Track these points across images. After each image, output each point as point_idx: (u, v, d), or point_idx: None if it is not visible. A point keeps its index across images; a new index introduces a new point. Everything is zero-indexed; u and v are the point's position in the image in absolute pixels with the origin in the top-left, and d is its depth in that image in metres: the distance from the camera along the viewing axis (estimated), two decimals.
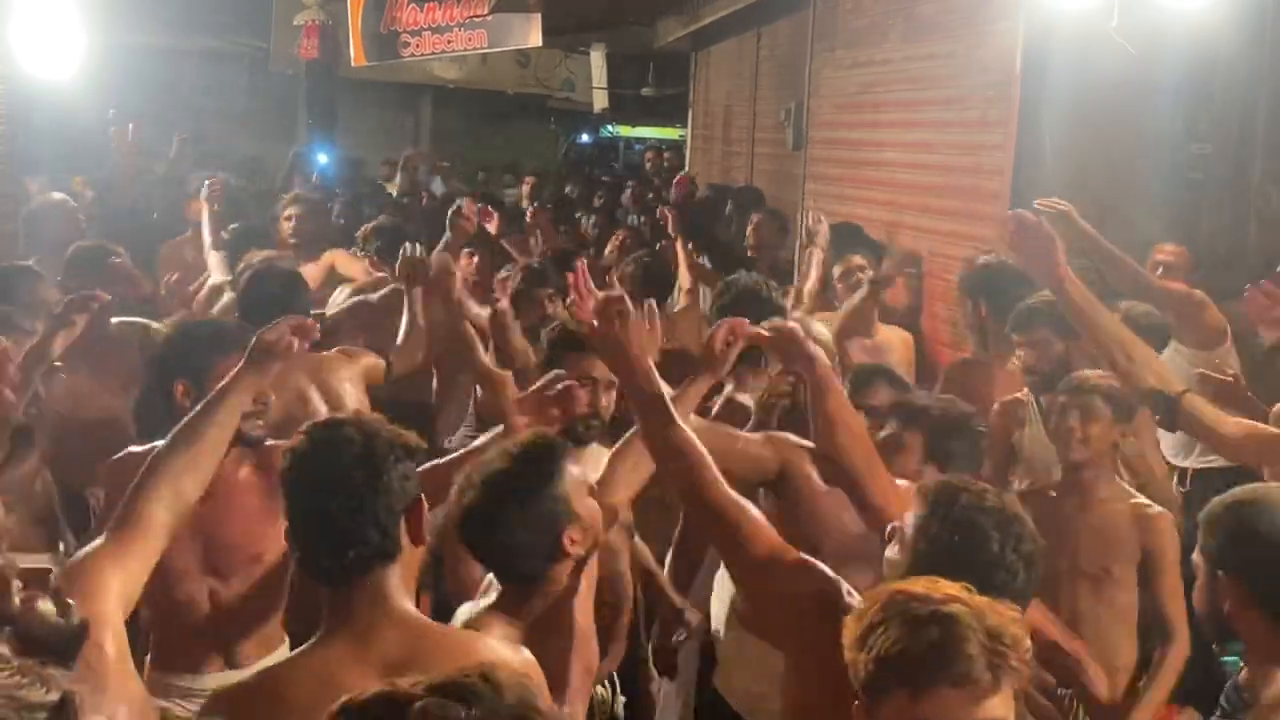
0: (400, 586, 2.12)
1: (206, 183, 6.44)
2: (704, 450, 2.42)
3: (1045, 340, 4.09)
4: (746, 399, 3.86)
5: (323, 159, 11.56)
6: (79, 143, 9.76)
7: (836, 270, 5.46)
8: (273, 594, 3.19)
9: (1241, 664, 2.73)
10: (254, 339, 2.74)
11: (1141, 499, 3.55)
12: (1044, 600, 3.26)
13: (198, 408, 2.67)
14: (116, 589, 2.24)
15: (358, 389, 4.22)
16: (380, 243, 6.31)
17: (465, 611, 2.45)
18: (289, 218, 6.62)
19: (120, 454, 3.22)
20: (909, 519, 2.24)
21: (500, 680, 1.35)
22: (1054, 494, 3.63)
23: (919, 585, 1.81)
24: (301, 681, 2.06)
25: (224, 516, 3.11)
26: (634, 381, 2.45)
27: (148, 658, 3.13)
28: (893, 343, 5.25)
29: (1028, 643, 1.75)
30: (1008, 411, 4.25)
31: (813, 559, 2.36)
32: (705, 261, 6.96)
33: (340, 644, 2.08)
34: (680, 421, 2.46)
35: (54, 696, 1.43)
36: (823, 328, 4.01)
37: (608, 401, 3.24)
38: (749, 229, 7.23)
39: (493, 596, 2.43)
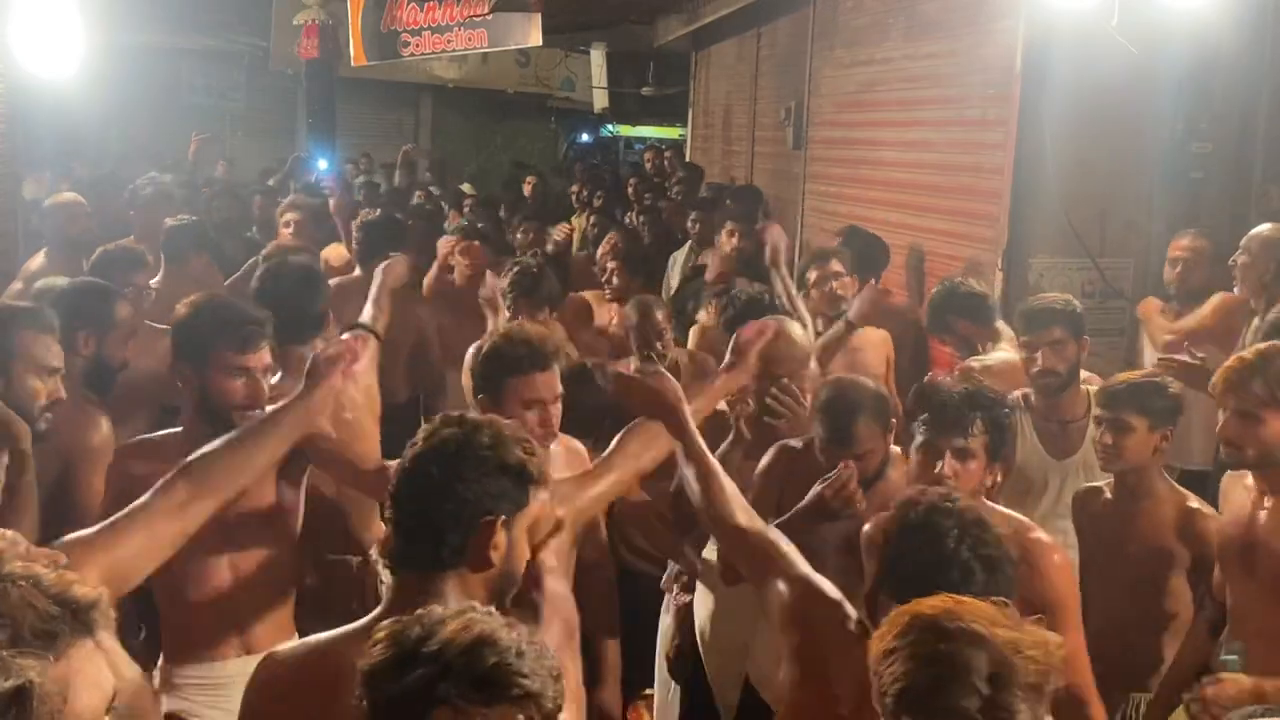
0: (454, 597, 2.02)
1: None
2: (726, 477, 2.70)
3: (1061, 340, 4.04)
4: (723, 405, 3.89)
5: (323, 164, 11.54)
6: (79, 142, 9.78)
7: (812, 274, 5.21)
8: (286, 577, 3.20)
9: (1241, 664, 2.73)
10: (310, 361, 2.72)
11: (1193, 500, 3.48)
12: (1094, 600, 3.28)
13: (251, 426, 2.64)
14: (97, 577, 2.15)
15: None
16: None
17: None
18: (287, 223, 6.68)
19: (135, 440, 3.27)
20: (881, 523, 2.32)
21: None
22: (1109, 495, 3.59)
23: (939, 608, 1.80)
24: (319, 658, 2.07)
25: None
26: (665, 422, 2.78)
27: (160, 658, 3.12)
28: (872, 341, 5.16)
29: (1050, 681, 1.76)
30: None
31: (824, 582, 2.50)
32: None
33: (371, 630, 2.07)
34: (704, 449, 2.72)
35: (9, 685, 1.34)
36: (799, 331, 3.95)
37: (555, 416, 3.16)
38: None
39: None
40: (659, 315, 4.77)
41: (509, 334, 3.25)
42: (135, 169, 8.85)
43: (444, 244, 6.21)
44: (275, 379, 3.35)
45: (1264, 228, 4.78)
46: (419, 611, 1.63)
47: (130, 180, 7.08)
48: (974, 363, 4.69)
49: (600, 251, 6.11)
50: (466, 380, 4.42)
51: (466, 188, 12.56)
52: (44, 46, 6.40)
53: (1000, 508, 3.04)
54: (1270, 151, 5.53)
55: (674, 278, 7.60)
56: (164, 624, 3.13)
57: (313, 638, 2.17)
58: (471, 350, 4.50)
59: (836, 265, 5.20)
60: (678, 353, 4.87)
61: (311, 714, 2.01)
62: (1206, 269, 5.10)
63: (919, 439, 3.01)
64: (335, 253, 6.84)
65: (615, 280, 5.87)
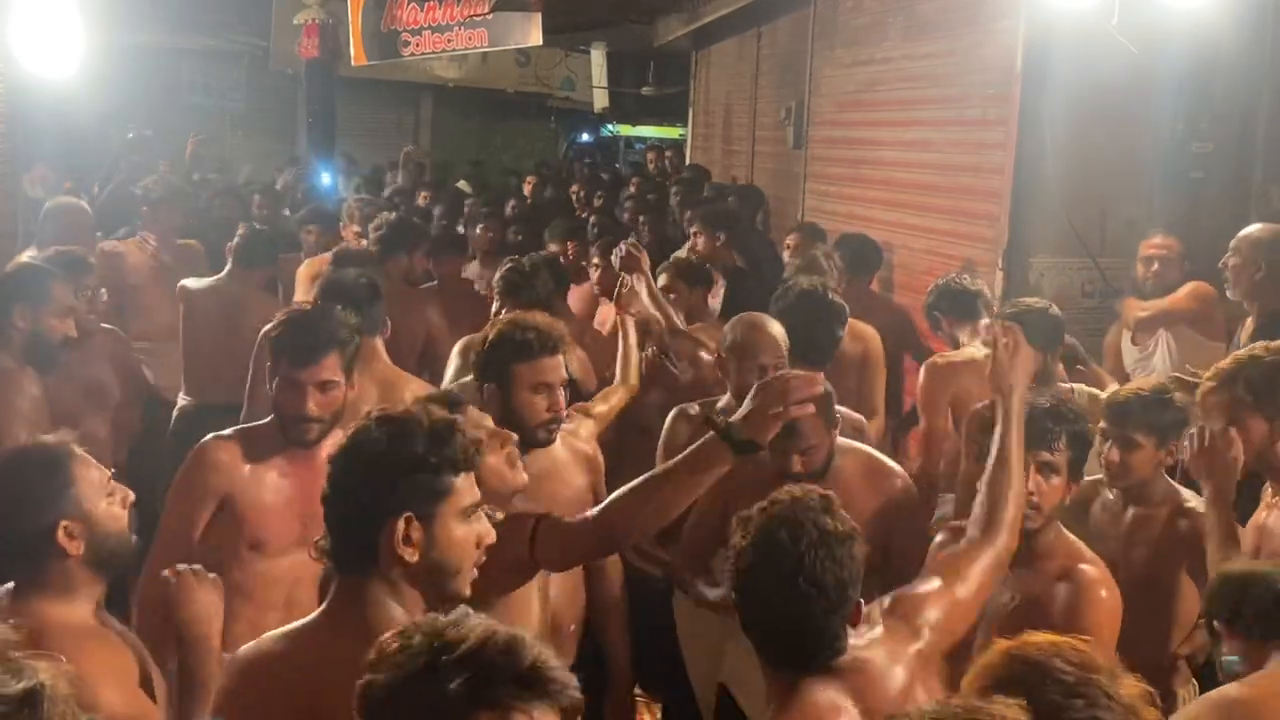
0: (385, 597, 2.04)
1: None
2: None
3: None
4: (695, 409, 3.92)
5: (325, 179, 11.51)
6: (79, 142, 9.77)
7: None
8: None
9: (1243, 665, 2.73)
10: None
11: (1194, 503, 3.44)
12: None
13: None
14: None
15: None
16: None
17: None
18: (310, 232, 6.89)
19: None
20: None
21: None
22: (1109, 495, 3.57)
23: (1044, 650, 1.84)
24: (269, 658, 2.10)
25: (273, 502, 3.16)
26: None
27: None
28: (864, 334, 5.15)
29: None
30: (979, 416, 4.22)
31: None
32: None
33: (312, 632, 2.10)
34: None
35: (19, 687, 1.35)
36: (778, 328, 3.97)
37: (563, 401, 3.24)
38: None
39: None
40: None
41: (514, 321, 3.29)
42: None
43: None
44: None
45: (1253, 228, 4.76)
46: (418, 621, 1.61)
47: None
48: (937, 358, 4.73)
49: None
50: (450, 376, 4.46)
51: (463, 185, 12.55)
52: (44, 46, 6.40)
53: (1066, 532, 3.02)
54: (1270, 151, 5.53)
55: None
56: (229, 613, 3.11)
57: (270, 635, 2.16)
58: (460, 345, 4.53)
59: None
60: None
61: (262, 709, 2.03)
62: (1180, 267, 5.13)
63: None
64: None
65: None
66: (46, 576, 2.38)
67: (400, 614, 2.04)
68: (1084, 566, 2.92)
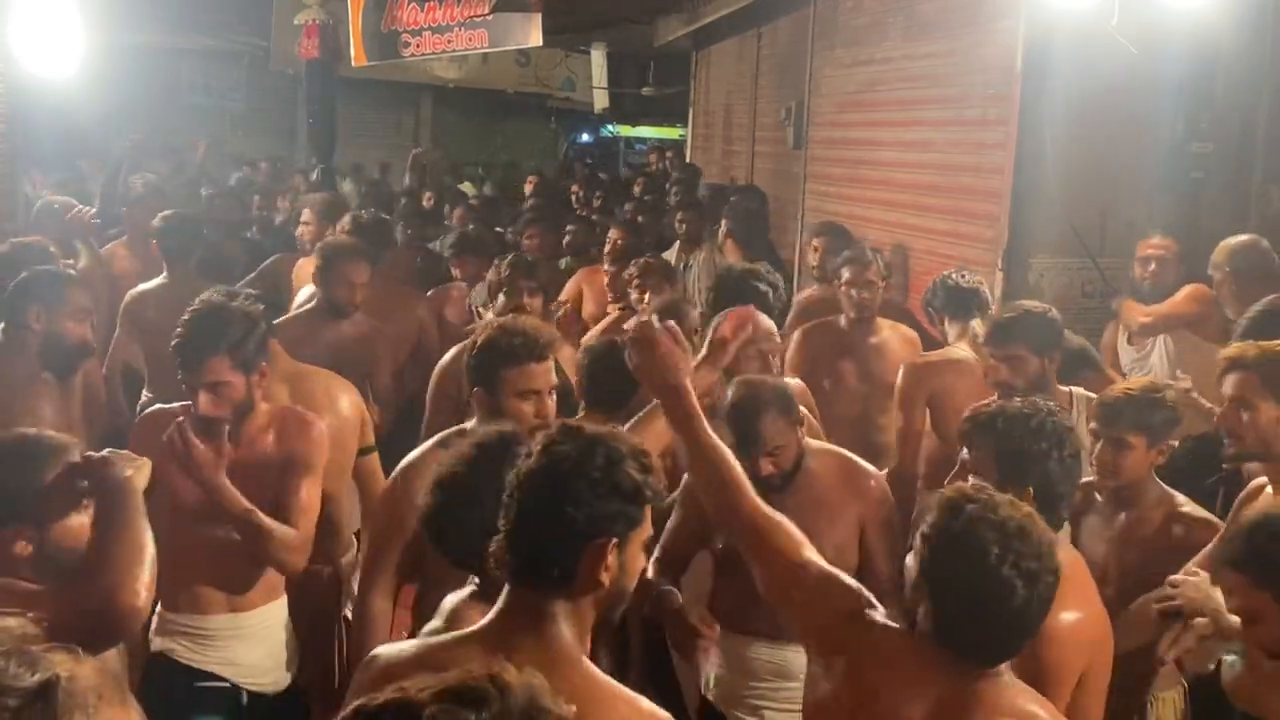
0: (565, 615, 2.01)
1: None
2: (735, 463, 2.58)
3: (1020, 357, 3.98)
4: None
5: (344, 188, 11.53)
6: (79, 142, 9.76)
7: (846, 273, 5.09)
8: None
9: (1242, 662, 2.72)
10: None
11: (1187, 507, 3.42)
12: None
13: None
14: None
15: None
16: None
17: (449, 602, 2.45)
18: (306, 222, 6.80)
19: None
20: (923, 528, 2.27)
21: (508, 682, 1.33)
22: (1099, 498, 3.54)
23: None
24: (429, 664, 1.99)
25: (248, 470, 3.23)
26: (667, 402, 2.61)
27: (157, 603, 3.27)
28: (905, 338, 5.17)
29: None
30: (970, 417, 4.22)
31: (836, 570, 2.48)
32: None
33: (482, 641, 2.04)
34: (712, 435, 2.58)
35: (34, 680, 1.34)
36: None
37: (551, 406, 3.21)
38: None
39: (470, 587, 2.44)
40: (691, 318, 4.70)
41: (503, 326, 3.26)
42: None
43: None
44: None
45: (1228, 240, 4.86)
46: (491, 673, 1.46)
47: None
48: (915, 357, 4.76)
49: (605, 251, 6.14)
50: (436, 390, 4.46)
51: (467, 187, 12.57)
52: (44, 46, 6.40)
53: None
54: (1270, 151, 5.54)
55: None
56: (162, 576, 3.21)
57: (415, 643, 2.15)
58: (452, 353, 4.55)
59: (873, 275, 5.08)
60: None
61: None
62: (1177, 268, 5.14)
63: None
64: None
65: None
66: None
67: (574, 636, 2.02)
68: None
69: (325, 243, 5.40)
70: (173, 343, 3.29)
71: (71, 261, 5.37)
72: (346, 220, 6.17)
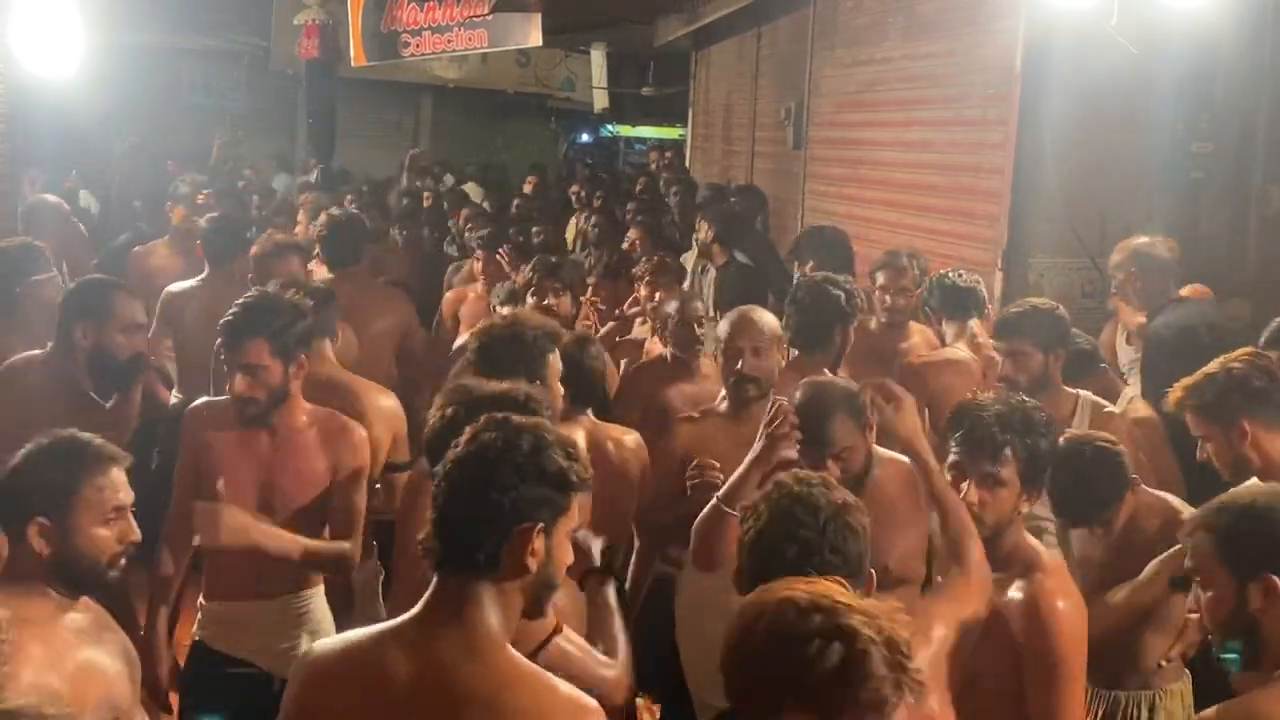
0: (489, 601, 2.05)
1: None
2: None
3: (1025, 353, 3.98)
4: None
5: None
6: (79, 142, 9.77)
7: (881, 277, 5.09)
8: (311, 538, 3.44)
9: (1240, 664, 2.72)
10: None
11: (1185, 512, 3.34)
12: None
13: None
14: None
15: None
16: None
17: None
18: (300, 222, 6.92)
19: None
20: None
21: None
22: None
23: (798, 588, 1.79)
24: (356, 654, 2.10)
25: (285, 467, 3.40)
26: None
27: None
28: (930, 340, 5.11)
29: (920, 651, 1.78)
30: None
31: None
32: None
33: (408, 631, 2.09)
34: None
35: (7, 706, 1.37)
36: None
37: (558, 395, 3.33)
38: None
39: None
40: (700, 314, 4.68)
41: (513, 320, 3.37)
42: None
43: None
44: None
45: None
46: None
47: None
48: (912, 358, 4.73)
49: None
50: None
51: (470, 188, 12.56)
52: (44, 46, 6.39)
53: (1027, 539, 2.91)
54: (1270, 152, 5.54)
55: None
56: (204, 569, 3.51)
57: (348, 634, 2.19)
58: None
59: (907, 281, 5.08)
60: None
61: (351, 708, 2.04)
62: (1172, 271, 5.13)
63: (950, 457, 2.92)
64: None
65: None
66: (15, 560, 2.50)
67: (499, 622, 2.05)
68: (1039, 575, 2.79)
69: (259, 241, 5.51)
70: (220, 323, 3.41)
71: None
72: (323, 219, 6.17)
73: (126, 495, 2.59)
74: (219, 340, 3.41)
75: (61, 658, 2.41)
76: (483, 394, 2.69)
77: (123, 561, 2.61)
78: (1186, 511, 3.39)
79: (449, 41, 11.30)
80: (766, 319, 3.94)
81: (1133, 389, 4.53)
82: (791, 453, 3.09)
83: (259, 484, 3.37)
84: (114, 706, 2.47)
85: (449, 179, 13.21)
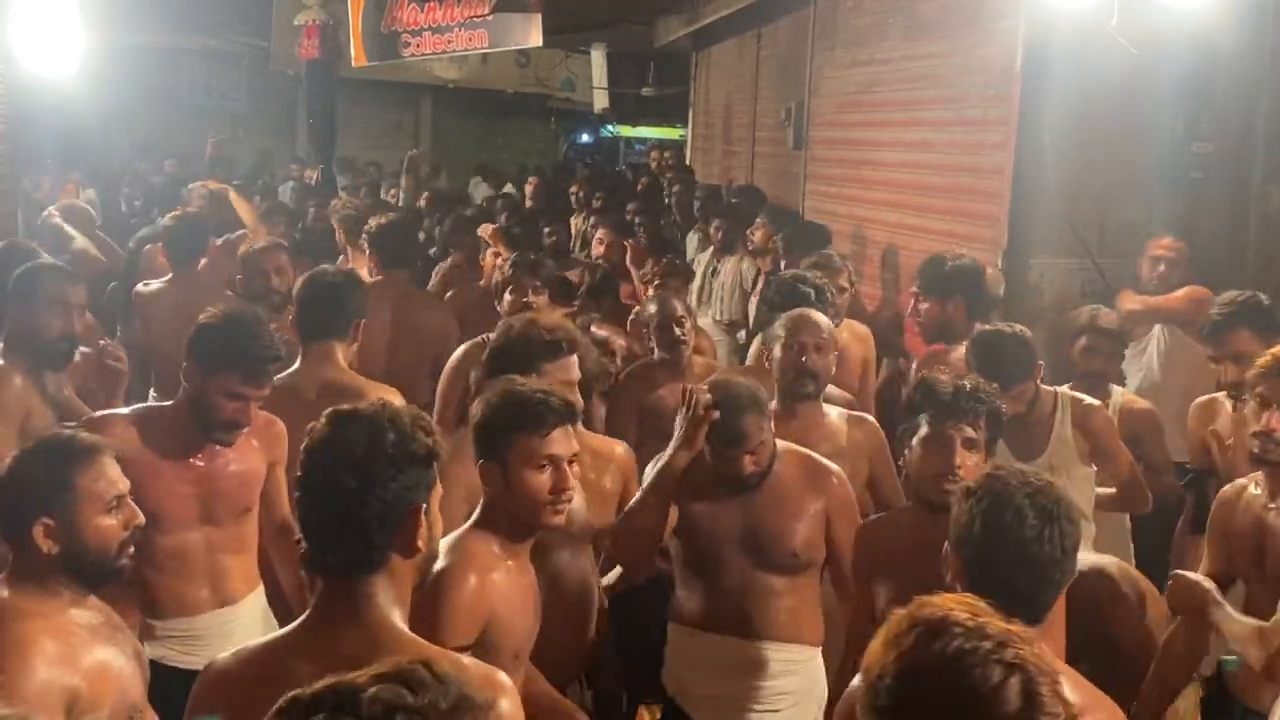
0: (383, 592, 2.04)
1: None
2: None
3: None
4: None
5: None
6: (79, 142, 9.78)
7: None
8: (252, 537, 3.49)
9: (1239, 664, 2.72)
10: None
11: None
12: None
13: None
14: None
15: None
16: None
17: (448, 541, 2.59)
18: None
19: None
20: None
21: (443, 671, 1.38)
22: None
23: (962, 613, 1.54)
24: (256, 667, 2.06)
25: (223, 473, 3.37)
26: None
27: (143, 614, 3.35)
28: (864, 335, 5.14)
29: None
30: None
31: None
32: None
33: (304, 637, 2.07)
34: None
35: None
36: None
37: (576, 400, 3.25)
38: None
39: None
40: (680, 312, 4.68)
41: (528, 323, 3.39)
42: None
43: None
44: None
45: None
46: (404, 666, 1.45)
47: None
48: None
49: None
50: (447, 384, 4.46)
51: (474, 188, 12.56)
52: (44, 46, 6.39)
53: None
54: (1270, 151, 5.53)
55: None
56: (145, 584, 3.32)
57: (250, 645, 2.16)
58: (462, 349, 4.54)
59: (843, 280, 5.20)
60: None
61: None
62: (1185, 270, 5.17)
63: (925, 430, 3.01)
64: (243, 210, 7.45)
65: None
66: (24, 563, 2.50)
67: (397, 611, 2.05)
68: None
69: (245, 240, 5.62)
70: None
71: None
72: (373, 223, 6.19)
73: (123, 482, 2.61)
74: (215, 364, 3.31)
75: (77, 654, 2.41)
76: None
77: (131, 549, 2.61)
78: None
79: (449, 42, 11.29)
80: (824, 319, 3.99)
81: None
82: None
83: (199, 495, 3.33)
84: (131, 705, 2.47)
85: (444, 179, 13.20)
